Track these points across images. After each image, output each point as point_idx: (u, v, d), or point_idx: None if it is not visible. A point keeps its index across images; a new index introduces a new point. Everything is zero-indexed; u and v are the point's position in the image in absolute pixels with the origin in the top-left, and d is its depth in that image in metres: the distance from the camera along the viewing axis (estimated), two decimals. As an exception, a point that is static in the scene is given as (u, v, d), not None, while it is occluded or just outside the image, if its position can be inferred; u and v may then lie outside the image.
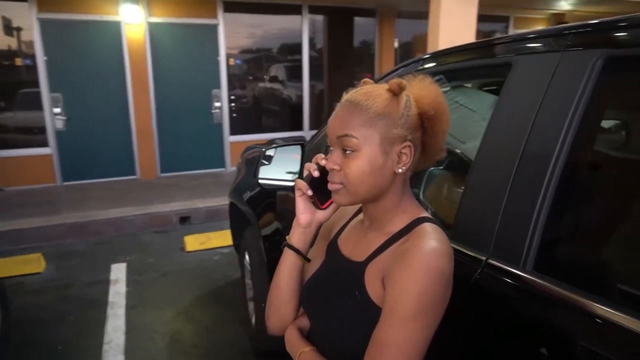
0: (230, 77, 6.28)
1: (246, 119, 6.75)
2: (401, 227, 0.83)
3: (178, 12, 5.78)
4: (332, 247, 0.97)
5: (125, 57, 5.60)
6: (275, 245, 2.08)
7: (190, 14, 5.82)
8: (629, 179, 0.80)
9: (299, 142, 1.73)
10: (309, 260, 0.96)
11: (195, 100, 6.04)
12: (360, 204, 0.91)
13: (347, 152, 0.80)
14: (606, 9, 8.46)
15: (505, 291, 0.86)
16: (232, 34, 6.30)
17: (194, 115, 6.06)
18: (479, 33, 5.82)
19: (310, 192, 0.89)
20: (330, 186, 0.85)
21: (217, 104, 6.14)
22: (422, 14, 7.10)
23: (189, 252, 3.93)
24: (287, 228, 1.94)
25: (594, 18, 0.86)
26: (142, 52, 5.64)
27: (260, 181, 1.72)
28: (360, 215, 0.96)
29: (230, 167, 6.38)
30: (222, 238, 4.15)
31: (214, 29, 6.00)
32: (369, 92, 0.82)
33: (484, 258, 0.91)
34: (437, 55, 1.35)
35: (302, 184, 0.90)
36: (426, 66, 1.37)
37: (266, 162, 1.70)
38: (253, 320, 2.51)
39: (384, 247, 0.83)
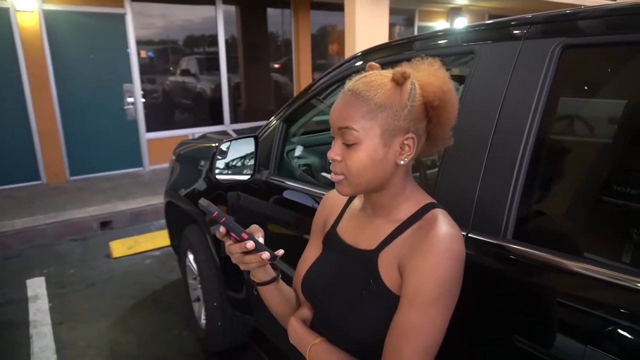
0: (142, 70, 5.91)
1: (162, 114, 6.42)
2: (409, 213, 0.84)
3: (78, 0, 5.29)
4: (332, 238, 0.97)
5: (18, 49, 5.00)
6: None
7: (92, 1, 5.36)
8: (584, 155, 0.92)
9: (252, 134, 1.70)
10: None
11: (104, 96, 5.60)
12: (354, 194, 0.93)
13: (349, 144, 0.80)
14: (497, 4, 9.30)
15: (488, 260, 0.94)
16: (142, 24, 5.92)
17: (105, 112, 5.62)
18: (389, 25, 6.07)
19: (268, 257, 0.85)
20: (332, 177, 0.84)
21: (129, 100, 5.75)
22: (336, 6, 7.25)
23: (116, 258, 3.67)
24: (242, 220, 1.90)
25: (487, 11, 0.96)
26: (39, 44, 5.09)
27: (218, 177, 1.66)
28: (355, 203, 0.98)
29: (149, 166, 6.04)
30: (152, 240, 3.94)
31: (121, 18, 5.58)
32: (371, 82, 0.80)
33: (464, 233, 0.98)
34: (391, 46, 1.40)
35: (260, 257, 0.84)
36: (380, 57, 1.42)
37: (220, 157, 1.65)
38: (202, 321, 2.43)
39: (395, 235, 0.84)
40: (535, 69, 0.92)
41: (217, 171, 1.65)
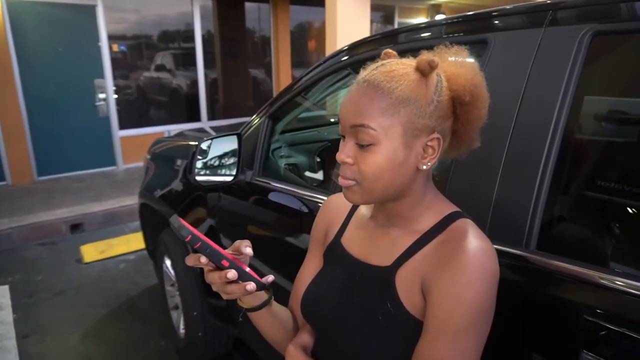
0: (115, 65, 5.66)
1: (136, 111, 6.18)
2: (431, 224, 0.73)
3: (44, -10, 5.01)
4: (336, 250, 0.84)
5: (-21, 42, 4.70)
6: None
7: (60, -8, 5.09)
8: (618, 156, 0.83)
9: (235, 132, 1.56)
10: (271, 297, 0.81)
11: (75, 91, 5.32)
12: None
13: (363, 145, 0.68)
14: (477, 2, 9.34)
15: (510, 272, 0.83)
16: (115, 18, 5.66)
17: (75, 108, 5.35)
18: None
19: (253, 289, 0.72)
20: (342, 182, 0.72)
21: (101, 96, 5.48)
22: (316, 1, 7.12)
23: (87, 263, 3.47)
24: (222, 224, 1.76)
25: (468, 9, 0.86)
26: (2, 37, 4.79)
27: (198, 178, 1.52)
28: (362, 210, 0.85)
29: (123, 164, 5.79)
30: (127, 244, 3.75)
31: (91, 10, 5.31)
32: (391, 71, 0.68)
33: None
34: (396, 33, 1.29)
35: (245, 288, 0.71)
36: (376, 48, 1.31)
37: (201, 157, 1.51)
38: (182, 330, 2.29)
39: (415, 249, 0.72)
40: (561, 59, 0.82)
41: (196, 172, 1.50)
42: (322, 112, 2.05)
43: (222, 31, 6.91)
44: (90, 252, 3.61)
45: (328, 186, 1.81)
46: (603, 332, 0.73)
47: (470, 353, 0.64)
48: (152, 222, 2.58)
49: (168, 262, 2.37)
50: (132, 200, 4.46)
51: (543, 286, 0.79)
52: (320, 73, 1.46)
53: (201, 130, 2.91)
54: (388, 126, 0.66)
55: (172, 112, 6.60)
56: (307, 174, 1.78)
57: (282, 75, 7.46)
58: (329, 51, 5.52)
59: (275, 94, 7.57)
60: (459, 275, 0.64)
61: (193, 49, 6.38)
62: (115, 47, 5.71)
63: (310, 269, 0.90)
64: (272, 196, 1.59)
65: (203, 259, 0.69)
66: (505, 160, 0.87)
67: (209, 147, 1.52)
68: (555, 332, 0.78)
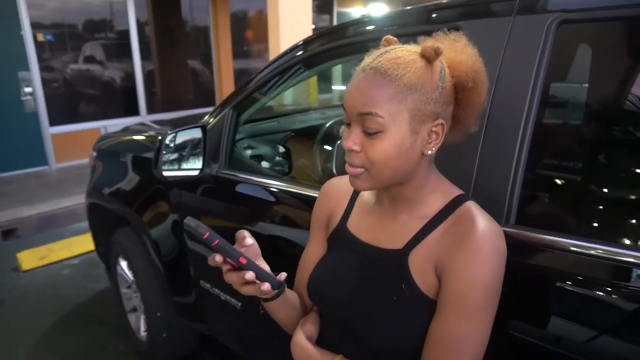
0: (41, 56, 5.24)
1: (68, 106, 5.77)
2: (438, 208, 0.75)
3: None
4: (343, 235, 0.85)
5: None
6: (176, 240, 1.82)
7: (-27, -24, 4.61)
8: (588, 137, 0.90)
9: (200, 124, 1.51)
10: (284, 284, 0.82)
11: (-5, 85, 4.88)
12: None
13: (371, 133, 0.69)
14: (411, -8, 9.60)
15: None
16: (38, 4, 5.22)
17: (-3, 104, 4.91)
18: (315, 10, 5.97)
19: (268, 289, 0.74)
20: (349, 170, 0.72)
21: (27, 90, 5.05)
22: (256, -11, 6.99)
23: (26, 271, 3.22)
24: (186, 215, 1.72)
25: None
26: None
27: (165, 173, 1.46)
28: (365, 195, 0.87)
29: (56, 164, 5.41)
30: (69, 248, 3.52)
31: (11, -4, 4.87)
32: (397, 58, 0.68)
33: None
34: (362, 22, 1.31)
35: (260, 288, 0.73)
36: (350, 37, 1.32)
37: (166, 151, 1.45)
38: (143, 333, 2.20)
39: (425, 232, 0.74)
40: (531, 46, 0.88)
41: (162, 167, 1.45)
42: (285, 101, 2.03)
43: (157, 20, 6.60)
44: (29, 258, 3.35)
45: (295, 176, 1.82)
46: (576, 295, 0.80)
47: (485, 326, 0.68)
48: (103, 222, 2.45)
49: (124, 264, 2.26)
50: (70, 202, 4.20)
51: (524, 257, 0.85)
52: (289, 61, 1.45)
53: (142, 124, 2.78)
54: (396, 113, 0.67)
55: (107, 107, 6.23)
56: (273, 164, 1.76)
57: (224, 65, 7.28)
58: (272, 41, 5.45)
59: (217, 85, 7.42)
60: (474, 256, 0.67)
61: (127, 39, 6.05)
62: (41, 37, 5.28)
63: (314, 252, 0.91)
64: (239, 188, 1.57)
65: (218, 257, 0.70)
66: (482, 142, 0.92)
67: (173, 140, 1.46)
68: (533, 298, 0.84)
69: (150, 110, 6.43)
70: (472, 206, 0.74)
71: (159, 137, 1.47)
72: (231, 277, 0.73)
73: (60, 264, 3.33)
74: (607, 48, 0.95)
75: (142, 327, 2.22)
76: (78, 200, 4.16)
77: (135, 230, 2.12)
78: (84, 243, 3.55)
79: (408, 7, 1.16)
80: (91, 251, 3.44)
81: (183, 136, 1.49)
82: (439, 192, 0.77)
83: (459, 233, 0.70)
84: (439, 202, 0.76)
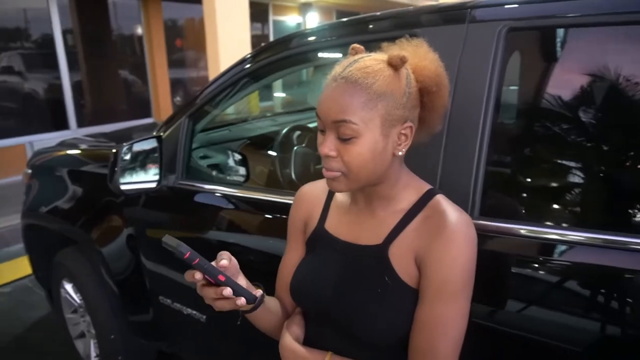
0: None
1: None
2: (411, 202, 0.81)
3: None
4: (322, 236, 0.88)
5: None
6: (131, 256, 1.74)
7: None
8: (542, 136, 1.00)
9: (155, 135, 1.47)
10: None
11: None
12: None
13: (345, 139, 0.72)
14: (344, 1, 9.87)
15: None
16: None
17: None
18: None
19: (243, 304, 0.74)
20: (326, 174, 0.76)
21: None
22: (190, -3, 6.86)
23: (-50, 303, 2.92)
24: (143, 232, 1.65)
25: (335, 7, 1.00)
26: None
27: (122, 187, 1.40)
28: (340, 197, 0.90)
29: (-24, 184, 4.95)
30: (-1, 274, 3.24)
31: None
32: (367, 67, 0.72)
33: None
34: (322, 30, 1.35)
35: (235, 303, 0.74)
36: (308, 40, 1.35)
37: (121, 164, 1.39)
38: (94, 359, 2.07)
39: (401, 226, 0.79)
40: (484, 52, 0.96)
41: (118, 180, 1.39)
42: (239, 110, 2.02)
43: (84, 28, 6.27)
44: (-49, 290, 3.04)
45: (254, 182, 1.81)
46: (534, 276, 0.89)
47: (464, 309, 0.74)
48: (42, 244, 2.28)
49: (68, 286, 2.12)
50: (-4, 224, 3.86)
51: (489, 245, 0.92)
52: (244, 70, 1.46)
53: (75, 139, 2.64)
54: (368, 119, 0.72)
55: (30, 121, 5.80)
56: (230, 172, 1.75)
57: (159, 75, 7.06)
58: (210, 49, 5.37)
59: (152, 95, 7.16)
60: (450, 244, 0.73)
61: (49, 48, 5.68)
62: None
63: (293, 257, 0.93)
64: (198, 198, 1.54)
65: (198, 275, 0.70)
66: (445, 143, 0.98)
67: (128, 152, 1.41)
68: (494, 282, 0.91)
69: (81, 123, 6.08)
70: (441, 199, 0.80)
71: (113, 150, 1.41)
72: (208, 292, 0.74)
73: (-11, 293, 3.05)
74: (545, 54, 1.05)
75: (93, 353, 2.09)
76: (3, 223, 3.84)
77: (82, 249, 2.00)
78: (15, 269, 3.29)
79: (368, 15, 1.21)
80: (24, 277, 3.19)
81: (138, 148, 1.44)
82: (411, 187, 0.83)
83: (433, 224, 0.76)
84: (411, 196, 0.81)
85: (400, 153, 0.77)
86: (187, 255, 0.67)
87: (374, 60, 0.74)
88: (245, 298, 0.74)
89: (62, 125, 5.88)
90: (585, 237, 0.84)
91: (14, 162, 5.09)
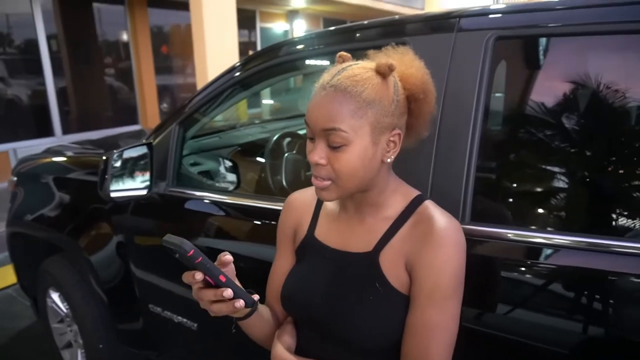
0: None
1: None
2: (400, 209, 0.81)
3: None
4: (312, 244, 0.88)
5: None
6: (120, 264, 1.72)
7: None
8: (531, 144, 1.03)
9: (146, 142, 1.46)
10: (257, 302, 0.83)
11: None
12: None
13: (335, 147, 0.73)
14: (331, 9, 9.94)
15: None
16: None
17: None
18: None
19: (241, 306, 0.73)
20: (316, 182, 0.76)
21: None
22: (176, 4, 6.85)
23: None
24: (133, 239, 1.64)
25: (322, 15, 1.02)
26: None
27: (112, 194, 1.39)
28: (329, 205, 0.91)
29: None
30: (-21, 285, 3.17)
31: None
32: (355, 76, 0.73)
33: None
34: (311, 38, 1.36)
35: (233, 305, 0.72)
36: (297, 49, 1.37)
37: (111, 171, 1.38)
38: (82, 368, 2.04)
39: (391, 233, 0.80)
40: (473, 60, 0.98)
41: (108, 188, 1.38)
42: (229, 117, 2.03)
43: (68, 34, 6.21)
44: None
45: (244, 189, 1.81)
46: (525, 280, 0.90)
47: (455, 313, 0.75)
48: (28, 252, 2.24)
49: (55, 295, 2.09)
50: (-22, 233, 3.78)
51: (480, 250, 0.94)
52: (235, 77, 1.46)
53: (63, 145, 2.61)
54: (358, 127, 0.72)
55: (14, 128, 5.72)
56: (221, 179, 1.75)
57: (146, 81, 7.01)
58: (197, 56, 5.36)
59: (139, 101, 7.10)
60: (439, 250, 0.74)
61: (32, 54, 5.62)
62: None
63: (282, 265, 0.93)
64: (189, 205, 1.54)
65: (199, 275, 0.68)
66: (436, 149, 1.00)
67: (118, 159, 1.40)
68: (485, 286, 0.93)
69: (67, 130, 6.02)
70: (430, 205, 0.81)
71: (104, 157, 1.40)
72: (206, 294, 0.72)
73: (-30, 304, 2.98)
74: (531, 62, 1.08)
75: (81, 363, 2.06)
76: (-13, 231, 3.76)
77: (69, 257, 1.97)
78: (-1, 278, 3.22)
79: (356, 24, 1.22)
80: (7, 287, 3.13)
81: (128, 155, 1.43)
82: (399, 193, 0.84)
83: (423, 230, 0.77)
84: (400, 203, 0.82)
85: (389, 160, 0.78)
86: (191, 252, 0.65)
87: (362, 69, 0.75)
88: (245, 301, 0.73)
89: (47, 132, 5.80)
90: (573, 241, 0.86)
91: (-4, 169, 5.02)
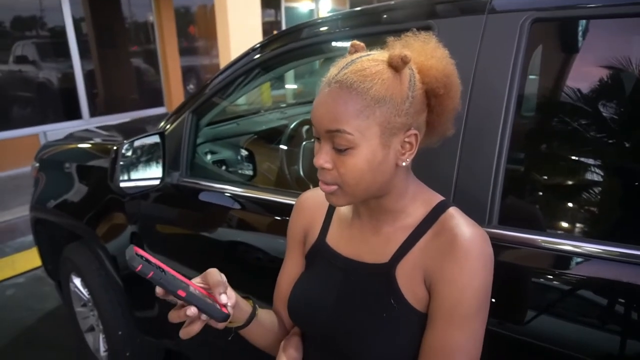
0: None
1: (-1, 110, 5.35)
2: (420, 217, 0.73)
3: None
4: (323, 251, 0.81)
5: None
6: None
7: None
8: (567, 136, 0.92)
9: (157, 131, 1.42)
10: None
11: None
12: None
13: (341, 149, 0.66)
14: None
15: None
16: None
17: None
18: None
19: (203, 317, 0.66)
20: (323, 187, 0.69)
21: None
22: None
23: (-37, 294, 2.95)
24: (147, 230, 1.62)
25: None
26: None
27: (122, 185, 1.36)
28: (342, 208, 0.83)
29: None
30: (12, 266, 3.27)
31: None
32: (363, 70, 0.64)
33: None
34: (328, 21, 1.27)
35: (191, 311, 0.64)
36: (319, 31, 1.28)
37: (122, 162, 1.35)
38: (103, 353, 2.07)
39: (410, 244, 0.71)
40: (506, 44, 0.87)
41: (119, 179, 1.34)
42: (239, 101, 1.96)
43: (95, 17, 6.25)
44: (-34, 280, 3.08)
45: (261, 180, 1.76)
46: (555, 289, 0.81)
47: (478, 334, 0.67)
48: (50, 237, 2.27)
49: (77, 281, 2.11)
50: (10, 215, 3.90)
51: (507, 257, 0.85)
52: (250, 62, 1.39)
53: (87, 130, 2.61)
54: (365, 128, 0.64)
55: (45, 111, 5.84)
56: (237, 168, 1.70)
57: (170, 63, 7.02)
58: (220, 37, 5.30)
59: (164, 84, 7.13)
60: (463, 264, 0.65)
61: (62, 37, 5.67)
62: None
63: (292, 270, 0.87)
64: (202, 197, 1.49)
65: (159, 290, 0.63)
66: (461, 145, 0.90)
67: (129, 149, 1.36)
68: (514, 295, 0.84)
69: (94, 112, 6.09)
70: (455, 212, 0.72)
71: (114, 147, 1.36)
72: (172, 317, 0.65)
73: (3, 284, 3.07)
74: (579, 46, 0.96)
75: (102, 347, 2.08)
76: (18, 213, 3.87)
77: (88, 245, 1.98)
78: (29, 259, 3.30)
79: (381, 5, 1.13)
80: (37, 267, 3.21)
81: (140, 145, 1.39)
82: (419, 200, 0.75)
83: (445, 242, 0.68)
84: (420, 210, 0.74)
85: (404, 164, 0.69)
86: (139, 268, 0.59)
87: (372, 61, 0.66)
88: (212, 317, 0.64)
89: (75, 114, 5.89)
90: (621, 253, 0.75)
91: (28, 152, 5.13)
